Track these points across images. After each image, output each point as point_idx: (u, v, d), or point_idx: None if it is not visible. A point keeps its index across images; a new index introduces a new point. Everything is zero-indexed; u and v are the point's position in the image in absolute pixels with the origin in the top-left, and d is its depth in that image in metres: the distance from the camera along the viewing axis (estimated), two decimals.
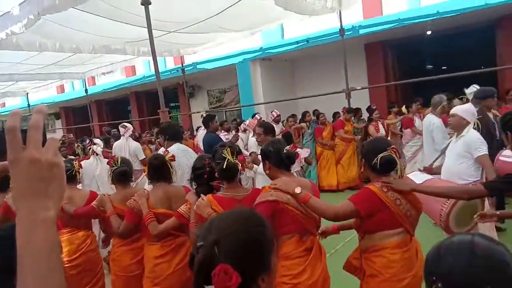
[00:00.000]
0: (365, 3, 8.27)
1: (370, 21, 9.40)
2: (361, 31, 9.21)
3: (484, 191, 2.34)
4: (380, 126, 7.88)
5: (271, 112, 8.30)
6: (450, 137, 4.21)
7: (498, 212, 2.65)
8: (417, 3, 9.75)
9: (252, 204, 2.35)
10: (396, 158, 2.27)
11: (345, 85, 7.60)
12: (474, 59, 10.77)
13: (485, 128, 4.01)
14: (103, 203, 3.16)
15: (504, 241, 1.06)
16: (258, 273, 0.97)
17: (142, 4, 4.68)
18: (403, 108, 7.60)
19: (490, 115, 4.78)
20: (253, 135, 5.63)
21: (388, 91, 10.76)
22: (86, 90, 12.62)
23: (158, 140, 6.39)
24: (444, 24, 8.71)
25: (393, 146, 2.33)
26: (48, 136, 0.70)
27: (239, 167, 2.45)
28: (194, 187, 2.78)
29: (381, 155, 2.25)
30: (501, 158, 3.21)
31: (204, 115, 6.94)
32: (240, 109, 12.23)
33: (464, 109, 3.74)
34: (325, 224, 2.60)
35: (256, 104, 10.63)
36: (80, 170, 3.66)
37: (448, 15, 8.04)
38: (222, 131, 8.73)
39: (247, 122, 7.48)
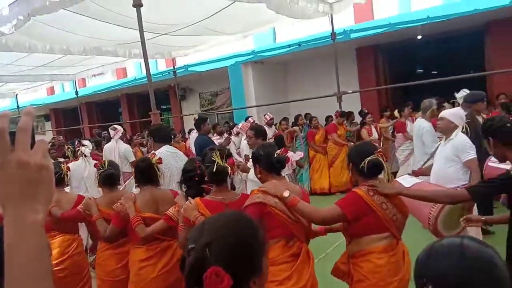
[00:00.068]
0: (356, 7, 8.33)
1: (361, 26, 9.47)
2: (352, 35, 9.27)
3: (467, 195, 2.35)
4: (373, 129, 7.94)
5: (264, 115, 8.32)
6: (440, 141, 4.24)
7: (483, 218, 2.66)
8: (408, 8, 9.85)
9: (240, 209, 2.34)
10: (383, 162, 2.30)
11: (336, 88, 7.65)
12: (463, 63, 10.91)
13: (473, 132, 4.05)
14: (89, 207, 3.11)
15: (492, 243, 1.08)
16: (249, 276, 0.97)
17: (133, 6, 4.65)
18: (396, 112, 7.66)
19: (480, 119, 4.83)
20: (246, 138, 5.63)
21: (379, 95, 10.84)
22: (76, 92, 12.51)
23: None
24: (434, 29, 8.81)
25: (380, 149, 2.36)
26: (38, 138, 0.69)
27: (229, 171, 2.44)
28: (184, 189, 2.76)
29: (368, 158, 2.28)
30: (490, 164, 3.24)
31: (197, 117, 6.93)
32: (232, 112, 12.23)
33: (452, 113, 3.78)
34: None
35: (248, 107, 10.65)
36: (68, 173, 3.64)
37: (438, 20, 8.14)
38: (215, 134, 8.72)
39: (240, 125, 7.48)
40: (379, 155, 2.30)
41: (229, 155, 2.53)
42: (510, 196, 2.42)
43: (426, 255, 1.06)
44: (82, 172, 5.39)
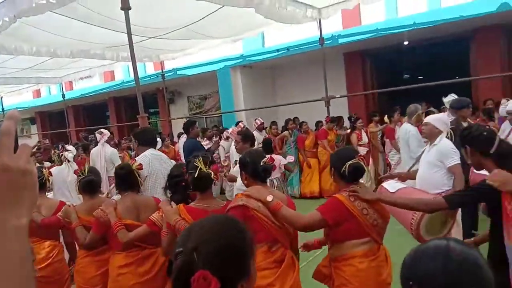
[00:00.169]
0: (344, 13, 8.40)
1: (349, 31, 9.57)
2: (340, 40, 9.37)
3: (444, 203, 2.35)
4: (363, 134, 7.99)
5: (255, 119, 8.32)
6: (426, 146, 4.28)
7: (472, 239, 2.64)
8: (395, 14, 9.98)
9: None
10: (364, 166, 2.33)
11: (324, 93, 7.70)
12: (449, 69, 11.09)
13: (458, 138, 4.09)
14: (68, 215, 3.05)
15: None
16: (237, 279, 0.97)
17: (122, 9, 4.63)
18: (385, 118, 7.72)
19: (465, 125, 4.89)
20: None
21: (366, 100, 10.94)
22: (63, 95, 12.37)
23: None
24: (420, 35, 8.93)
25: (360, 154, 2.39)
26: (23, 141, 0.68)
27: (213, 177, 2.40)
28: (169, 195, 2.72)
29: (349, 162, 2.30)
30: (475, 171, 3.28)
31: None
32: (221, 115, 12.22)
33: (437, 118, 3.82)
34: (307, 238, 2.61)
35: (236, 111, 10.65)
36: (50, 178, 3.57)
37: (424, 26, 8.26)
38: (205, 138, 8.69)
39: (230, 130, 7.47)
40: (360, 159, 2.33)
41: (213, 161, 2.48)
42: (488, 204, 2.44)
43: (412, 258, 1.07)
44: (65, 177, 5.32)
